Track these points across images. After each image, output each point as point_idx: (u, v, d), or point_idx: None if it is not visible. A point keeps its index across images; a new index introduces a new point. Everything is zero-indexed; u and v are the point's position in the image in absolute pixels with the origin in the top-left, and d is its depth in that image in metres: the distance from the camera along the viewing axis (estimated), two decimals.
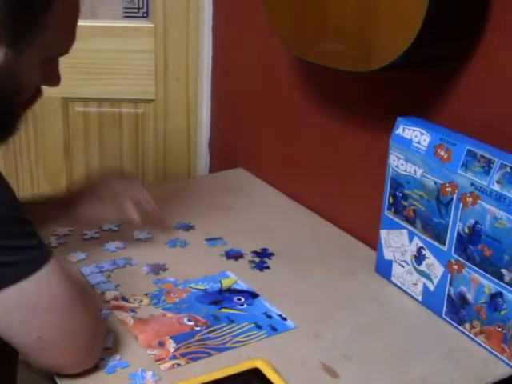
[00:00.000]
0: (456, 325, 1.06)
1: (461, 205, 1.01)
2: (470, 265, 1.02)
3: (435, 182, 1.05)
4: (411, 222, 1.11)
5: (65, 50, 0.92)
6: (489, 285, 0.99)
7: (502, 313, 0.98)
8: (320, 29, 1.14)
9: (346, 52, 1.11)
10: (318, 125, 1.43)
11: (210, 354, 0.98)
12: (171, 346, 0.99)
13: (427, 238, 1.08)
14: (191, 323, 1.05)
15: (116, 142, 1.85)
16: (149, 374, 0.93)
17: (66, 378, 0.92)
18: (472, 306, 1.03)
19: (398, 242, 1.15)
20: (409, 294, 1.14)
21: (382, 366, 0.98)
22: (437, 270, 1.08)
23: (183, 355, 0.98)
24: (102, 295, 1.10)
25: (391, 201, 1.14)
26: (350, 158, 1.36)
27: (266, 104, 1.59)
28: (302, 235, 1.35)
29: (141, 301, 1.10)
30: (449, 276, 1.06)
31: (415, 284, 1.13)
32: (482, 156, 0.97)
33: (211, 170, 1.84)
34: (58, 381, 0.92)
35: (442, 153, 1.03)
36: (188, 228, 1.36)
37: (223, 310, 1.09)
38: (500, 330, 0.99)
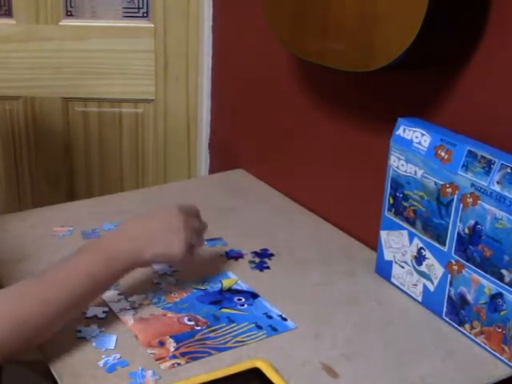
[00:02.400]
0: (456, 325, 1.06)
1: (461, 205, 1.01)
2: (470, 265, 1.02)
3: (435, 183, 1.05)
4: (411, 222, 1.11)
5: None
6: (489, 285, 0.99)
7: (502, 313, 0.98)
8: (320, 29, 1.14)
9: (346, 52, 1.11)
10: (317, 125, 1.43)
11: (210, 354, 0.98)
12: (171, 345, 0.99)
13: (427, 239, 1.08)
14: (191, 323, 1.05)
15: (116, 142, 1.85)
16: (149, 373, 0.93)
17: (66, 377, 0.92)
18: (472, 306, 1.03)
19: (398, 243, 1.15)
20: (409, 295, 1.14)
21: (382, 367, 0.98)
22: (437, 270, 1.08)
23: (183, 355, 0.98)
24: (102, 294, 1.10)
25: (391, 201, 1.14)
26: (350, 159, 1.36)
27: (266, 104, 1.59)
28: (302, 236, 1.35)
29: (141, 300, 1.10)
30: (449, 277, 1.06)
31: (415, 285, 1.13)
32: (483, 157, 0.97)
33: (211, 170, 1.84)
34: (58, 380, 0.92)
35: (443, 153, 1.03)
36: None
37: (223, 310, 1.09)
38: (500, 330, 0.99)
